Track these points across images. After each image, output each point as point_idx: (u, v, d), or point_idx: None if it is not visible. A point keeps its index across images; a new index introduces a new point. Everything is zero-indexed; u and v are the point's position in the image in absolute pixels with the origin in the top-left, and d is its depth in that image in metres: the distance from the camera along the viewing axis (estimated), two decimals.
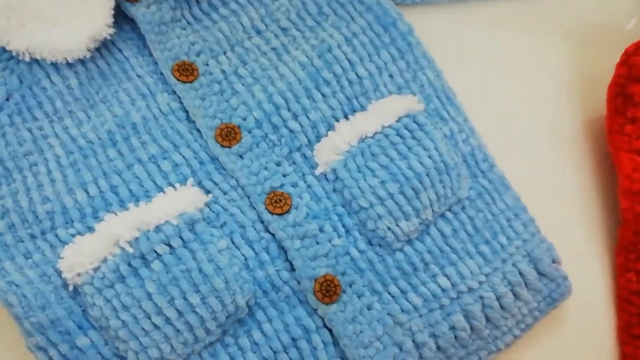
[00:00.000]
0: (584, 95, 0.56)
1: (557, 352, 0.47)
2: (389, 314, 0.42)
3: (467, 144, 0.48)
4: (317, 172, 0.45)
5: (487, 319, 0.43)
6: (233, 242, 0.42)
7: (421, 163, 0.44)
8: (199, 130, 0.45)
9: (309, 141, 0.45)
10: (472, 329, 0.43)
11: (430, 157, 0.45)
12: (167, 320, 0.38)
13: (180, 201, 0.41)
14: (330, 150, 0.45)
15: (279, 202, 0.43)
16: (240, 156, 0.44)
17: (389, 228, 0.43)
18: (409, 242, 0.44)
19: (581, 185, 0.52)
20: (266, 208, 0.43)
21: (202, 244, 0.40)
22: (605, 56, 0.51)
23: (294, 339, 0.40)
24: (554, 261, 0.46)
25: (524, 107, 0.55)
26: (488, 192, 0.47)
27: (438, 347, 0.42)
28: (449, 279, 0.44)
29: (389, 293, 0.43)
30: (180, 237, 0.40)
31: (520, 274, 0.45)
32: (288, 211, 0.43)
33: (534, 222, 0.47)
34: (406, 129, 0.45)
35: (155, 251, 0.39)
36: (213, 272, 0.39)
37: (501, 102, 0.54)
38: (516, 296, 0.44)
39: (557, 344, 0.47)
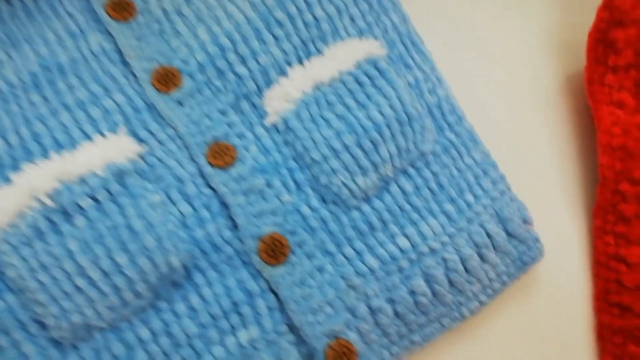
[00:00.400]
0: (565, 54, 0.52)
1: (527, 321, 0.43)
2: (342, 277, 0.38)
3: (433, 94, 0.44)
4: (267, 122, 0.40)
5: (451, 284, 0.40)
6: (169, 198, 0.37)
7: (381, 113, 0.40)
8: (134, 74, 0.40)
9: (258, 88, 0.41)
10: (433, 294, 0.39)
11: (391, 106, 0.40)
12: (91, 281, 0.34)
13: (108, 151, 0.36)
14: (281, 99, 0.40)
15: (221, 154, 0.39)
16: (180, 103, 0.40)
17: (344, 184, 0.39)
18: (367, 199, 0.40)
19: (558, 143, 0.48)
20: (207, 160, 0.38)
21: (132, 198, 0.36)
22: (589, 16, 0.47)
23: (235, 304, 0.36)
24: (525, 221, 0.43)
25: (503, 67, 0.51)
26: (455, 146, 0.43)
27: (396, 314, 0.38)
28: (409, 240, 0.40)
29: (342, 254, 0.39)
30: (107, 190, 0.35)
31: (488, 234, 0.41)
32: (232, 164, 0.39)
33: (504, 180, 0.44)
34: (366, 75, 0.41)
35: (78, 205, 0.35)
36: (143, 229, 0.35)
37: (478, 62, 0.50)
38: (483, 259, 0.41)
39: (527, 313, 0.43)
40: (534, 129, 0.48)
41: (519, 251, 0.42)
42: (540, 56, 0.51)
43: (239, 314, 0.36)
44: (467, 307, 0.40)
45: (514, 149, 0.47)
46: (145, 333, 0.35)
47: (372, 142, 0.39)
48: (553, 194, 0.47)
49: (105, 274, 0.34)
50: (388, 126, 0.40)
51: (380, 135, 0.40)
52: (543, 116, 0.49)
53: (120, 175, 0.36)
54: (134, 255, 0.34)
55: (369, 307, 0.38)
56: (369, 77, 0.41)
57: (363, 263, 0.39)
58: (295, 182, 0.39)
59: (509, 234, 0.42)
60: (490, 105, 0.49)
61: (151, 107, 0.40)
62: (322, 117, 0.40)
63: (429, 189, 0.42)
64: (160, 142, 0.39)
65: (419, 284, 0.39)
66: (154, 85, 0.39)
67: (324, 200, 0.40)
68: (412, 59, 0.44)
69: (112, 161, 0.36)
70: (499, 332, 0.43)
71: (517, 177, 0.44)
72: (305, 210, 0.39)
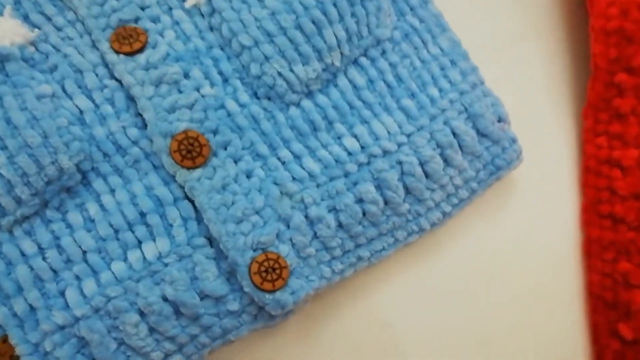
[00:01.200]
0: None
1: (499, 241, 0.37)
2: (274, 183, 0.32)
3: None
4: (188, 4, 0.34)
5: (407, 190, 0.34)
6: (64, 90, 0.31)
7: None
8: None
9: None
10: (385, 202, 0.33)
11: None
12: None
13: None
14: None
15: (128, 39, 0.32)
16: None
17: (279, 74, 0.33)
18: (309, 94, 0.34)
19: (542, 30, 0.41)
20: (111, 46, 0.32)
21: (13, 86, 0.30)
22: None
23: (142, 214, 0.31)
24: (500, 119, 0.36)
25: None
26: (418, 33, 0.36)
27: (339, 224, 0.33)
28: (358, 140, 0.34)
29: (277, 158, 0.33)
30: None
31: (454, 133, 0.35)
32: (141, 50, 0.32)
33: (477, 72, 0.37)
34: None
35: None
36: (25, 123, 0.29)
37: None
38: (447, 161, 0.34)
39: (500, 230, 0.37)
40: (514, 11, 0.41)
41: (492, 154, 0.36)
42: None
43: (146, 225, 0.31)
44: (426, 218, 0.35)
45: (486, 35, 0.39)
46: (28, 246, 0.30)
47: (314, 22, 0.33)
48: (534, 89, 0.40)
49: None
50: (335, 4, 0.33)
51: (325, 15, 0.33)
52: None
53: (0, 60, 0.30)
54: (13, 153, 0.29)
55: (306, 217, 0.32)
56: None
57: (301, 167, 0.33)
58: (220, 73, 0.33)
59: (479, 133, 0.35)
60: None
61: None
62: None
63: (385, 82, 0.35)
64: (56, 28, 0.33)
65: (368, 189, 0.33)
66: None
67: (255, 95, 0.33)
68: None
69: None
70: (463, 253, 0.37)
71: (491, 69, 0.37)
72: (232, 105, 0.33)
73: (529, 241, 0.37)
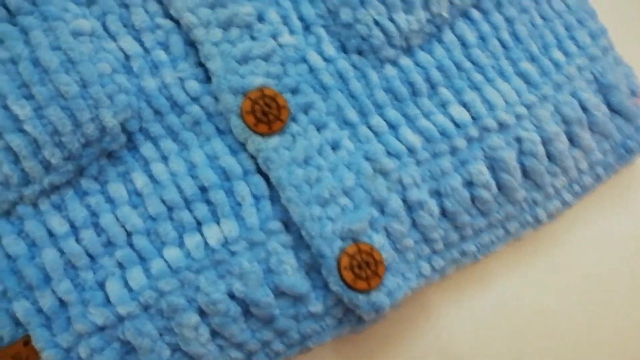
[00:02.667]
0: None
1: (624, 236, 0.31)
2: (366, 158, 0.26)
3: None
4: None
5: (525, 174, 0.27)
6: (106, 30, 0.25)
7: None
8: None
9: None
10: (499, 186, 0.27)
11: None
12: None
13: None
14: None
15: None
16: None
17: (376, 22, 0.26)
18: (408, 50, 0.28)
19: None
20: None
21: (44, 20, 0.23)
22: None
23: (203, 189, 0.24)
24: (633, 93, 0.30)
25: None
26: None
27: (443, 212, 0.26)
28: (468, 110, 0.27)
29: (368, 127, 0.26)
30: (4, 5, 0.23)
31: (583, 107, 0.28)
32: None
33: (607, 34, 0.30)
34: None
35: None
36: (58, 66, 0.23)
37: None
38: (572, 141, 0.28)
39: (625, 224, 0.31)
40: None
41: (624, 133, 0.29)
42: None
43: (209, 203, 0.24)
44: (544, 208, 0.28)
45: None
46: (58, 224, 0.23)
47: None
48: None
49: None
50: None
51: None
52: None
53: None
54: (41, 103, 0.22)
55: (405, 201, 0.26)
56: None
57: (398, 139, 0.26)
58: (301, 18, 0.27)
59: (611, 108, 0.29)
60: None
61: None
62: None
63: (500, 40, 0.29)
64: None
65: (480, 170, 0.26)
66: None
67: (344, 48, 0.27)
68: None
69: None
70: (581, 251, 0.30)
71: (620, 33, 0.31)
72: (316, 59, 0.26)
73: None
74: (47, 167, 0.23)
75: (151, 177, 0.24)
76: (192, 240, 0.24)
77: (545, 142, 0.27)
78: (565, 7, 0.30)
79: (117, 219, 0.24)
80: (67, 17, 0.24)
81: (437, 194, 0.26)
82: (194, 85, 0.25)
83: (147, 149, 0.25)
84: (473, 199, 0.27)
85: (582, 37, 0.29)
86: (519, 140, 0.27)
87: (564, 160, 0.28)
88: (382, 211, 0.25)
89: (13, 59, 0.23)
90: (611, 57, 0.30)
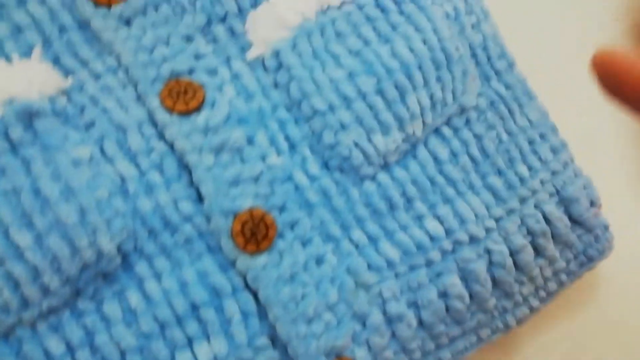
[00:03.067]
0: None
1: (588, 336, 0.33)
2: (349, 272, 0.28)
3: (477, 31, 0.33)
4: (251, 55, 0.29)
5: (495, 284, 0.29)
6: (104, 153, 0.26)
7: (411, 49, 0.29)
8: None
9: (239, 8, 0.30)
10: (472, 296, 0.29)
11: (424, 41, 0.29)
12: None
13: (13, 82, 0.25)
14: (272, 24, 0.29)
15: (183, 95, 0.28)
16: (127, 22, 0.28)
17: (356, 144, 0.28)
18: (386, 167, 0.30)
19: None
20: (162, 103, 0.27)
21: (45, 150, 0.25)
22: None
23: (195, 306, 0.26)
24: (592, 204, 0.32)
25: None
26: (504, 101, 0.32)
27: (421, 323, 0.28)
28: (441, 224, 0.29)
29: (350, 241, 0.28)
30: (7, 138, 0.25)
31: (546, 219, 0.31)
32: (198, 109, 0.28)
33: (567, 148, 0.33)
34: None
35: None
36: (59, 196, 0.24)
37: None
38: (538, 251, 0.30)
39: (588, 325, 0.33)
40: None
41: (584, 242, 0.32)
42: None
43: (199, 320, 0.26)
44: (513, 315, 0.30)
45: (567, 110, 0.35)
46: (55, 345, 0.24)
47: (397, 88, 0.29)
48: (626, 167, 0.36)
49: None
50: (420, 68, 0.29)
51: (410, 79, 0.29)
52: None
53: (27, 116, 0.25)
54: (43, 233, 0.24)
55: (385, 314, 0.28)
56: (395, 2, 0.30)
57: (378, 253, 0.28)
58: (287, 139, 0.29)
59: (573, 220, 0.31)
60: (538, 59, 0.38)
61: (84, 26, 0.28)
62: (329, 52, 0.29)
63: (470, 156, 0.31)
64: (95, 75, 0.28)
65: (454, 282, 0.28)
66: None
67: (327, 166, 0.29)
68: None
69: (15, 95, 0.25)
70: (548, 349, 0.32)
71: (573, 146, 0.34)
72: (301, 178, 0.28)
73: (615, 340, 0.33)
74: (46, 291, 0.24)
75: (145, 295, 0.26)
76: (184, 358, 0.25)
77: (513, 253, 0.30)
78: (528, 123, 0.33)
79: (112, 338, 0.25)
80: (67, 146, 0.25)
81: (414, 306, 0.28)
82: (186, 206, 0.27)
83: (141, 267, 0.26)
84: (448, 309, 0.28)
85: (544, 152, 0.32)
86: (488, 252, 0.29)
87: (531, 270, 0.30)
88: (363, 325, 0.27)
89: (15, 190, 0.24)
90: (571, 170, 0.32)
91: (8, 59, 0.27)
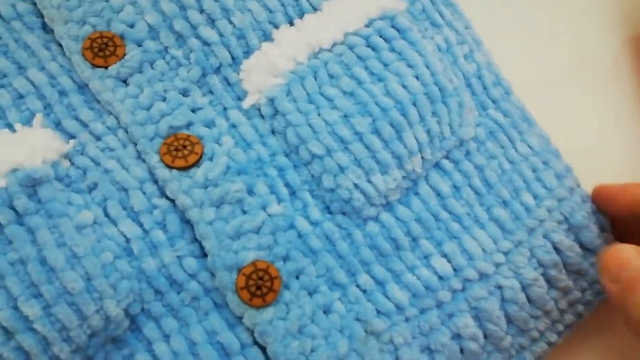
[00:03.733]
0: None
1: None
2: (358, 320, 0.27)
3: (470, 60, 0.33)
4: (246, 104, 0.29)
5: (509, 321, 0.29)
6: (107, 215, 0.26)
7: (404, 86, 0.29)
8: (59, 44, 0.29)
9: (233, 58, 0.30)
10: (486, 336, 0.28)
11: (417, 77, 0.29)
12: None
13: (17, 151, 0.25)
14: (265, 72, 0.29)
15: (182, 151, 0.27)
16: (123, 81, 0.28)
17: (356, 186, 0.28)
18: (388, 206, 0.29)
19: (624, 121, 0.37)
20: (162, 159, 0.27)
21: (49, 217, 0.24)
22: None
23: None
24: (602, 229, 0.31)
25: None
26: (503, 129, 0.32)
27: None
28: (449, 261, 0.29)
29: (357, 286, 0.28)
30: (12, 207, 0.24)
31: (556, 249, 0.30)
32: (197, 163, 0.27)
33: (572, 173, 0.32)
34: (381, 36, 0.30)
35: None
36: (65, 264, 0.24)
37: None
38: (550, 283, 0.30)
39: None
40: (590, 108, 0.37)
41: (598, 270, 0.31)
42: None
43: None
44: (530, 352, 0.29)
45: (569, 134, 0.35)
46: None
47: (393, 126, 0.28)
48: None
49: (5, 332, 0.23)
50: (415, 104, 0.29)
51: (405, 116, 0.28)
52: (600, 88, 0.38)
53: (31, 184, 0.25)
54: (49, 302, 0.23)
55: None
56: (385, 39, 0.30)
57: (387, 297, 0.28)
58: (287, 185, 0.28)
59: (583, 247, 0.31)
60: (531, 82, 0.38)
61: (83, 89, 0.29)
62: (324, 95, 0.29)
63: (473, 188, 0.30)
64: (95, 136, 0.28)
65: (466, 323, 0.28)
66: (86, 58, 0.28)
67: (328, 211, 0.28)
68: (440, 14, 0.33)
69: (20, 165, 0.25)
70: None
71: (579, 169, 0.33)
72: (303, 224, 0.28)
73: None
74: None
75: (155, 357, 0.25)
76: None
77: (525, 287, 0.29)
78: (529, 150, 0.32)
79: None
80: (71, 212, 0.25)
81: (428, 350, 0.27)
82: (191, 263, 0.26)
83: (149, 329, 0.25)
84: (462, 351, 0.28)
85: (549, 178, 0.31)
86: (499, 288, 0.29)
87: (545, 303, 0.29)
88: None
89: (22, 260, 0.24)
90: (578, 196, 0.31)
91: (11, 127, 0.27)
